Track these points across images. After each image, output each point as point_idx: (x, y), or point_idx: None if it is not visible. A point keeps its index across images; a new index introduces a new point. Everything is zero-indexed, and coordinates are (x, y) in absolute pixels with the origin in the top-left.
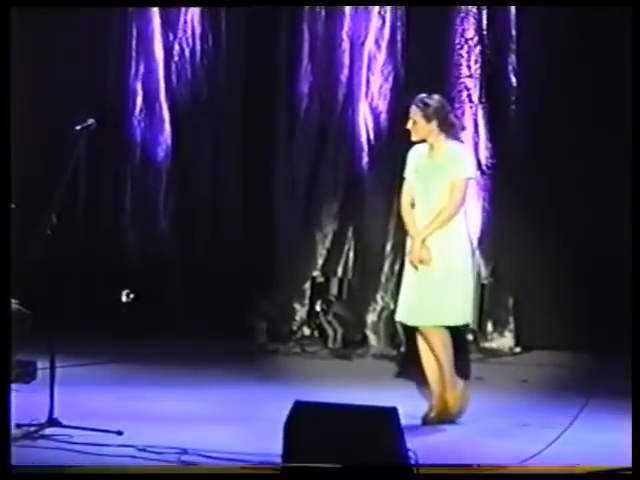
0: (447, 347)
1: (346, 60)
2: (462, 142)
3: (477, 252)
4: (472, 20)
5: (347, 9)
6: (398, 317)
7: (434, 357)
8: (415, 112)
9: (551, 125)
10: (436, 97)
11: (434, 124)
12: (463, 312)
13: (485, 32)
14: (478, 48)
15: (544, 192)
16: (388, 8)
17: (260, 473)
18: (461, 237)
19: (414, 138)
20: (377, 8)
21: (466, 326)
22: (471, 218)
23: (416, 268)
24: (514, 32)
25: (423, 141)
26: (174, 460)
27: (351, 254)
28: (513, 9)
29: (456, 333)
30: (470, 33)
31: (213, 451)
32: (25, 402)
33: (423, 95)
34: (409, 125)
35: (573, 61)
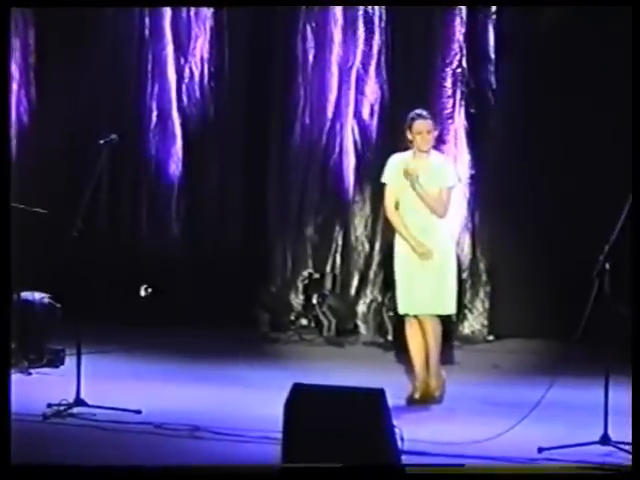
0: (438, 336)
1: (335, 82)
2: (443, 153)
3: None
4: (456, 45)
5: (338, 37)
6: (400, 309)
7: (425, 345)
8: (426, 124)
9: (533, 133)
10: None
11: (435, 134)
12: (452, 302)
13: (466, 52)
14: (459, 70)
15: (518, 196)
16: (376, 35)
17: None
18: (447, 236)
19: (425, 148)
20: (364, 35)
21: (450, 316)
22: (453, 219)
23: (411, 265)
24: (499, 37)
25: (406, 149)
26: (187, 436)
27: (341, 253)
28: (498, 15)
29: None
30: (451, 54)
31: (221, 428)
32: (55, 385)
33: (420, 110)
34: (422, 136)
35: (572, 62)
